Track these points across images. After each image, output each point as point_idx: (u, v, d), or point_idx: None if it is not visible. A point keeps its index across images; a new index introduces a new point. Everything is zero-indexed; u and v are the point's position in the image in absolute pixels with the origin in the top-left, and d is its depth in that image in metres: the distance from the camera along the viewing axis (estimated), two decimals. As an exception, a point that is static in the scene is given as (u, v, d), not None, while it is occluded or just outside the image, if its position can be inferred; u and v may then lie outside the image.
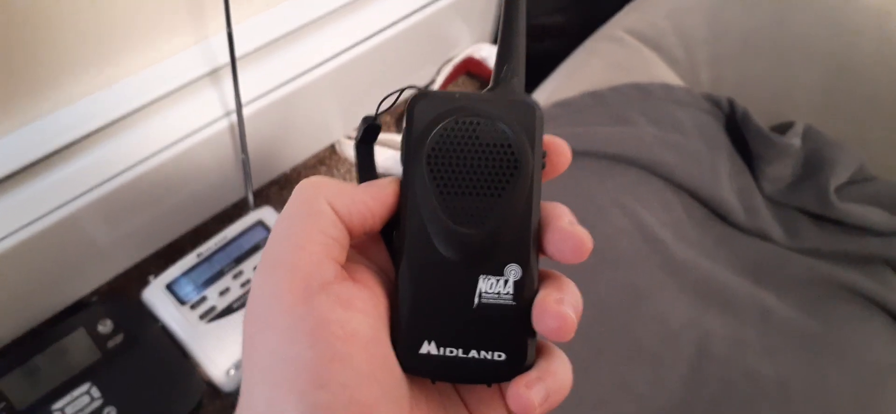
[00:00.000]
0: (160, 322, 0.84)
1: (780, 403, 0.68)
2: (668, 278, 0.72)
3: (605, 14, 0.94)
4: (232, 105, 0.85)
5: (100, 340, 0.80)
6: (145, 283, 0.87)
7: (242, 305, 0.85)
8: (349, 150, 1.09)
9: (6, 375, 0.76)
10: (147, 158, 0.82)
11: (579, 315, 0.31)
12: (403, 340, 0.32)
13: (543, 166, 0.32)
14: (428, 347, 0.32)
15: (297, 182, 1.00)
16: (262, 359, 0.29)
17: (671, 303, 0.71)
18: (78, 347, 0.80)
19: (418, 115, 0.32)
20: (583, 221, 0.32)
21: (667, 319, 0.70)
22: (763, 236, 0.78)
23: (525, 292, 0.31)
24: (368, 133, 0.35)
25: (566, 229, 0.31)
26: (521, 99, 0.32)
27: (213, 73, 0.84)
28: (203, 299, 0.85)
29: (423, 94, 0.33)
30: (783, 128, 0.85)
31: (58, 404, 0.76)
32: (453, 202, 0.31)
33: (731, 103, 0.84)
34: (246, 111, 0.86)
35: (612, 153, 0.77)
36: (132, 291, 0.87)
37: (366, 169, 0.36)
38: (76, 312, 0.83)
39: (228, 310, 0.85)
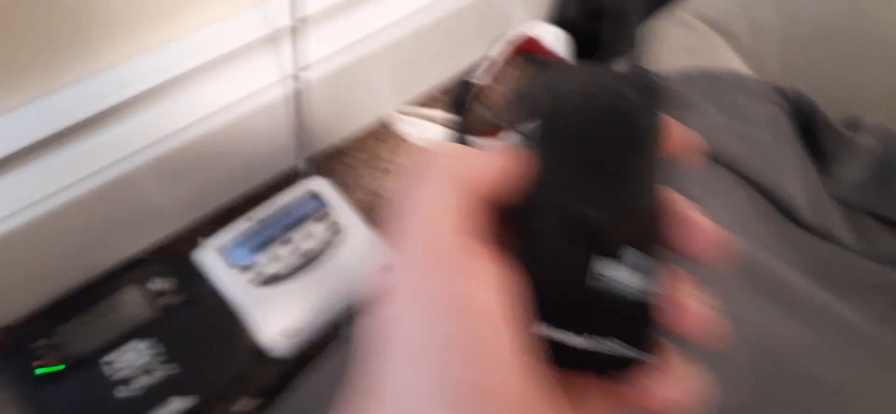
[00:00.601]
0: (211, 283, 0.84)
1: (838, 410, 0.66)
2: (731, 274, 0.70)
3: (673, -1, 0.92)
4: (289, 70, 0.84)
5: (153, 297, 0.81)
6: (194, 245, 0.87)
7: (292, 272, 0.85)
8: (401, 125, 1.08)
9: (61, 325, 0.77)
10: (202, 120, 0.82)
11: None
12: (529, 323, 0.30)
13: (665, 148, 0.30)
14: (553, 332, 0.30)
15: (347, 154, 1.00)
16: (399, 331, 0.28)
17: (735, 300, 0.69)
18: (132, 302, 0.80)
19: (540, 85, 0.31)
20: None
21: (731, 317, 0.68)
22: (829, 238, 0.75)
23: (654, 284, 0.29)
24: (463, 93, 0.33)
25: (697, 220, 0.30)
26: (641, 72, 0.31)
27: (273, 36, 0.83)
28: (253, 264, 0.85)
29: (543, 63, 0.31)
30: (853, 125, 0.82)
31: (108, 358, 0.76)
32: (574, 179, 0.30)
33: (801, 96, 0.81)
34: (304, 76, 0.85)
35: (678, 140, 0.75)
36: (185, 251, 0.87)
37: (463, 132, 0.34)
38: (132, 269, 0.84)
39: (276, 277, 0.85)
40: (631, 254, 0.29)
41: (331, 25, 0.88)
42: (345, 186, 1.00)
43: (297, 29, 0.79)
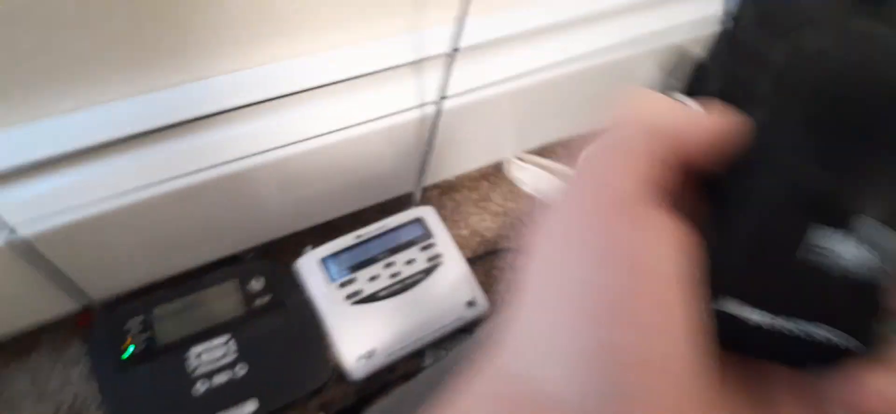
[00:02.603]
0: (306, 294, 0.82)
1: None
2: None
3: None
4: (426, 97, 0.84)
5: (248, 296, 0.80)
6: (299, 253, 0.86)
7: (389, 295, 0.83)
8: (515, 170, 1.05)
9: (155, 308, 0.77)
10: (330, 133, 0.81)
11: None
12: (720, 301, 0.24)
13: None
14: (749, 312, 0.24)
15: (459, 190, 0.97)
16: (548, 276, 0.24)
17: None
18: (227, 297, 0.80)
19: (783, 16, 0.25)
20: None
21: None
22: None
23: (885, 262, 0.23)
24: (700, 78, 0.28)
25: None
26: None
27: (419, 62, 0.82)
28: (352, 281, 0.83)
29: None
30: None
31: (196, 348, 0.76)
32: (808, 138, 0.24)
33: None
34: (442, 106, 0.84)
35: None
36: (285, 258, 0.86)
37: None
38: (232, 265, 0.83)
39: (374, 297, 0.83)
40: (866, 225, 0.23)
41: (470, 62, 0.86)
42: (451, 221, 0.98)
43: (450, 57, 0.78)
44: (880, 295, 0.23)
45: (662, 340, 0.23)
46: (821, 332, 0.23)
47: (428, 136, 0.85)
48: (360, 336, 0.80)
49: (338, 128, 0.81)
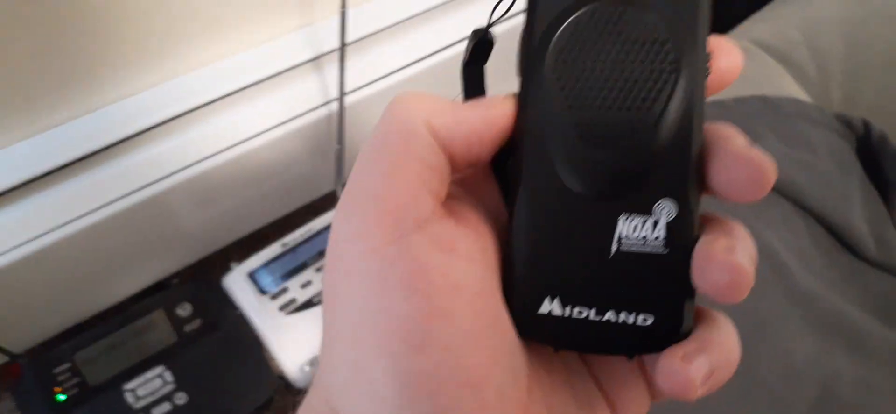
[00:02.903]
0: (239, 310, 0.80)
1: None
2: (792, 309, 0.65)
3: (731, 22, 0.86)
4: (331, 94, 0.82)
5: (177, 322, 0.78)
6: (227, 269, 0.84)
7: (321, 301, 0.80)
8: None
9: (83, 350, 0.74)
10: (240, 143, 0.79)
11: (755, 267, 0.23)
12: (519, 297, 0.25)
13: (707, 73, 0.24)
14: (550, 306, 0.24)
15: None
16: (345, 312, 0.24)
17: (795, 337, 0.63)
18: (155, 328, 0.77)
19: (543, 4, 0.25)
20: None
21: (790, 354, 0.62)
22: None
23: (681, 238, 0.24)
24: (479, 49, 0.28)
25: (741, 152, 0.23)
26: None
27: (317, 59, 0.80)
28: (284, 291, 0.82)
29: None
30: (923, 157, 0.76)
31: (130, 384, 0.74)
32: (587, 117, 0.24)
33: (867, 125, 0.75)
34: (345, 101, 0.82)
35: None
36: (214, 276, 0.85)
37: (477, 91, 0.28)
38: (159, 293, 0.81)
39: (309, 303, 0.81)
40: (666, 207, 0.24)
41: (372, 49, 0.85)
42: (381, 215, 0.96)
43: (342, 52, 0.77)
44: (682, 273, 0.24)
45: (472, 357, 0.22)
46: (639, 320, 0.24)
47: (337, 132, 0.83)
48: (300, 344, 0.78)
49: (246, 137, 0.78)
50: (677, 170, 0.24)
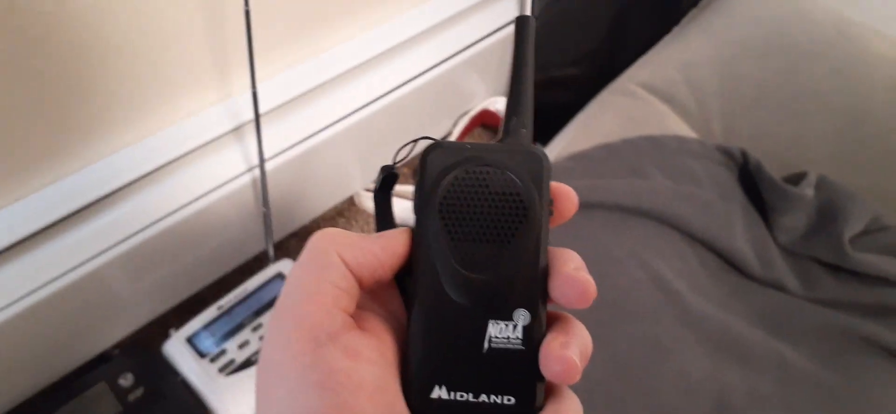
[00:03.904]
0: (180, 375, 0.82)
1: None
2: (685, 331, 0.70)
3: (618, 67, 0.93)
4: (254, 160, 0.86)
5: (120, 393, 0.79)
6: (167, 335, 0.86)
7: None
8: (367, 201, 1.09)
9: None
10: (171, 214, 0.82)
11: (586, 358, 0.31)
12: (415, 385, 0.31)
13: (551, 214, 0.32)
14: (439, 392, 0.31)
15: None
16: (273, 407, 0.29)
17: (689, 356, 0.69)
18: (99, 400, 0.79)
19: (430, 164, 0.32)
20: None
21: (686, 373, 0.68)
22: (778, 287, 0.76)
23: (534, 336, 0.31)
24: (386, 182, 0.35)
25: (571, 275, 0.31)
26: (528, 149, 0.32)
27: (237, 129, 0.85)
28: (223, 352, 0.84)
29: (435, 145, 0.33)
30: (796, 178, 0.83)
31: (78, 459, 0.74)
32: (464, 248, 0.31)
33: (744, 154, 0.83)
34: (268, 166, 0.86)
35: (626, 205, 0.76)
36: (154, 343, 0.86)
37: (384, 217, 0.36)
38: (98, 366, 0.82)
39: (247, 363, 0.84)
40: (522, 315, 0.31)
41: (291, 115, 0.89)
42: (313, 268, 0.99)
43: (258, 122, 0.81)
44: (534, 364, 0.31)
45: None
46: (505, 400, 0.31)
47: (262, 196, 0.87)
48: (241, 404, 0.81)
49: (176, 208, 0.81)
50: (528, 288, 0.31)
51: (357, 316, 0.31)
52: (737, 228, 0.78)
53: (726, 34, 0.89)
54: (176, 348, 0.84)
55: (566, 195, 0.33)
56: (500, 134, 0.34)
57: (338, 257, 0.31)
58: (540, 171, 0.32)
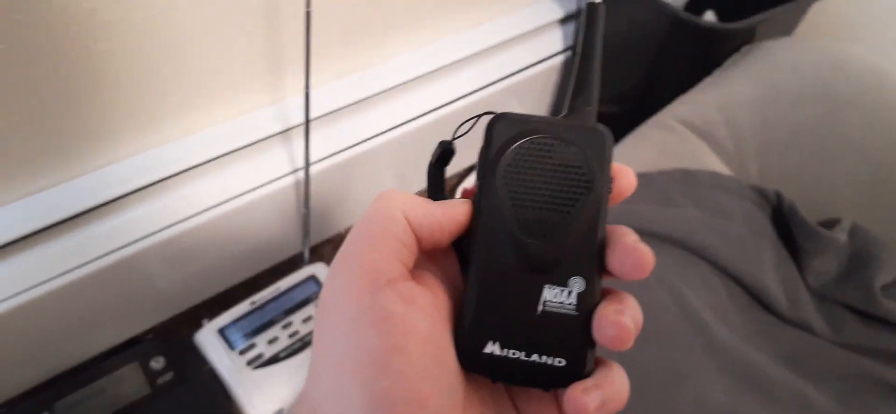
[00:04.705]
0: (209, 365, 0.83)
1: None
2: (708, 359, 0.70)
3: (655, 107, 0.93)
4: (299, 163, 0.87)
5: (151, 375, 0.80)
6: (199, 326, 0.87)
7: (289, 355, 0.84)
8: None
9: (61, 399, 0.77)
10: (213, 207, 0.83)
11: (639, 327, 0.31)
12: (469, 338, 0.32)
13: (610, 190, 0.33)
14: (492, 347, 0.32)
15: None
16: (330, 344, 0.31)
17: (710, 385, 0.68)
18: (130, 380, 0.80)
19: (498, 133, 0.33)
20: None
21: (705, 401, 0.67)
22: (806, 328, 0.76)
23: (587, 304, 0.32)
24: (443, 156, 0.37)
25: (630, 245, 0.32)
26: (592, 126, 0.33)
27: (286, 131, 0.86)
28: (252, 346, 0.84)
29: (502, 115, 0.34)
30: (830, 224, 0.83)
31: (105, 434, 0.75)
32: (525, 215, 0.32)
33: (779, 195, 0.82)
34: (311, 170, 0.87)
35: (657, 232, 0.76)
36: (186, 333, 0.87)
37: (437, 190, 0.37)
38: (132, 347, 0.83)
39: (275, 358, 0.84)
40: (578, 282, 0.32)
41: (338, 123, 0.91)
42: (345, 275, 1.00)
43: (307, 126, 0.82)
44: (589, 330, 0.32)
45: (421, 382, 0.29)
46: (555, 362, 0.32)
47: (304, 199, 0.88)
48: (266, 398, 0.81)
49: (218, 202, 0.83)
50: (585, 257, 0.32)
51: (414, 274, 0.32)
52: (767, 266, 0.78)
53: (766, 78, 0.89)
54: (207, 338, 0.85)
55: (625, 174, 0.34)
56: (566, 111, 0.35)
57: (401, 214, 0.32)
58: (603, 147, 0.33)
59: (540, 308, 0.32)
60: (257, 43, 0.79)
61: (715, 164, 0.86)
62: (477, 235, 0.33)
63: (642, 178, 0.80)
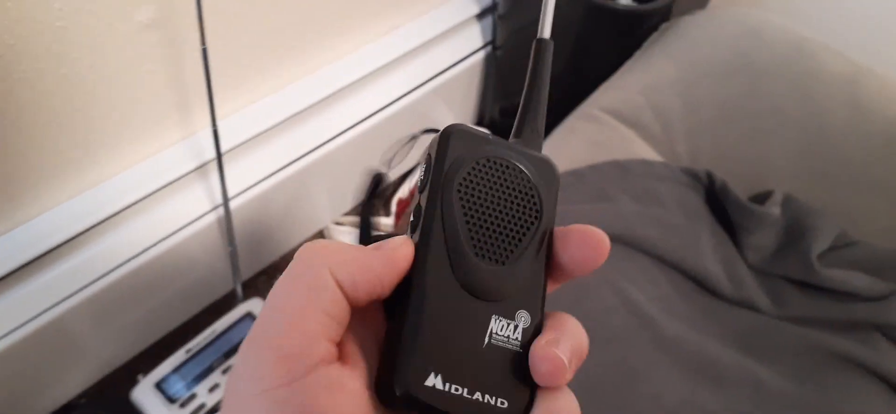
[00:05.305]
0: (149, 422, 0.79)
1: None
2: (659, 355, 0.68)
3: (582, 93, 0.91)
4: (218, 198, 0.83)
5: (89, 443, 0.75)
6: (134, 382, 0.82)
7: (232, 400, 0.80)
8: (338, 234, 1.06)
9: None
10: (135, 256, 0.79)
11: (580, 357, 0.29)
12: (409, 368, 0.28)
13: (552, 229, 0.31)
14: (434, 381, 0.28)
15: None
16: None
17: (664, 380, 0.67)
18: (66, 451, 0.75)
19: (453, 145, 0.30)
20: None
21: (660, 398, 0.66)
22: (750, 307, 0.75)
23: (530, 341, 0.29)
24: (376, 185, 0.33)
25: (582, 229, 0.30)
26: (543, 157, 0.32)
27: (200, 168, 0.81)
28: (193, 397, 0.80)
29: (458, 126, 0.31)
30: (762, 197, 0.82)
31: None
32: (479, 236, 0.30)
33: (710, 175, 0.81)
34: (233, 204, 0.83)
35: (595, 231, 0.74)
36: (122, 390, 0.82)
37: (369, 226, 0.33)
38: (65, 414, 0.79)
39: (218, 407, 0.80)
40: (523, 316, 0.30)
41: (255, 151, 0.87)
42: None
43: (221, 159, 0.78)
44: (528, 364, 0.29)
45: None
46: (498, 402, 0.29)
47: (228, 235, 0.84)
48: (213, 447, 0.78)
49: (140, 250, 0.78)
50: (532, 290, 0.30)
51: (331, 349, 0.27)
52: (705, 250, 0.77)
53: (687, 56, 0.88)
54: (145, 395, 0.81)
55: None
56: (514, 132, 0.33)
57: (331, 278, 0.27)
58: (553, 180, 0.31)
59: (486, 341, 0.29)
60: (158, 81, 0.75)
61: (644, 150, 0.85)
62: (424, 252, 0.29)
63: (574, 175, 0.78)
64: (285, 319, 0.26)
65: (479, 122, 1.19)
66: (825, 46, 0.85)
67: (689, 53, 0.88)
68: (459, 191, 0.30)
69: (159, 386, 0.81)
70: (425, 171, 0.31)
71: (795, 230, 0.77)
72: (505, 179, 0.30)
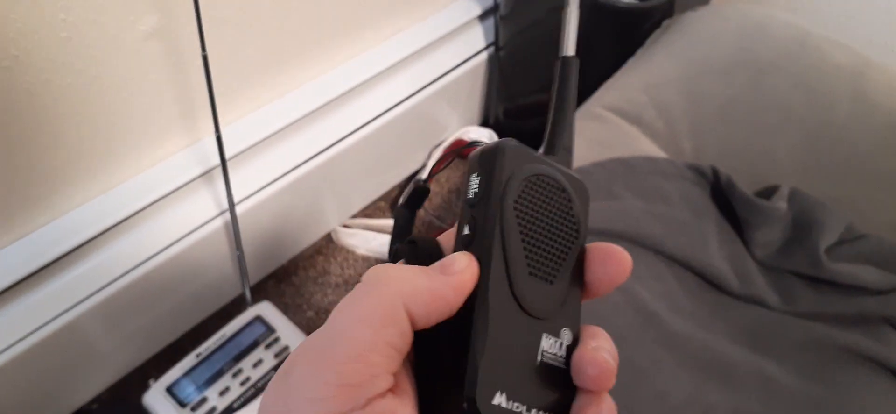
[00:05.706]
0: (161, 427, 0.79)
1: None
2: (665, 353, 0.67)
3: (585, 92, 0.91)
4: (225, 204, 0.82)
5: (101, 449, 0.76)
6: (146, 386, 0.82)
7: (243, 405, 0.80)
8: (346, 238, 1.05)
9: None
10: (144, 261, 0.79)
11: (617, 360, 0.29)
12: (479, 388, 0.28)
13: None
14: (500, 398, 0.28)
15: (293, 274, 0.96)
16: None
17: (671, 379, 0.66)
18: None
19: (507, 160, 0.30)
20: None
21: (667, 396, 0.65)
22: (758, 302, 0.74)
23: (571, 354, 0.30)
24: (415, 197, 0.34)
25: (605, 247, 0.30)
26: (578, 178, 0.32)
27: (207, 173, 0.81)
28: (203, 401, 0.80)
29: (510, 142, 0.31)
30: (768, 192, 0.81)
31: None
32: (533, 255, 0.30)
33: (715, 171, 0.80)
34: (240, 208, 0.83)
35: (601, 228, 0.73)
36: (133, 395, 0.82)
37: (405, 233, 0.34)
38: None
39: (229, 410, 0.80)
40: (567, 334, 0.30)
41: (260, 156, 0.86)
42: (294, 307, 0.96)
43: (226, 164, 0.78)
44: (571, 378, 0.30)
45: None
46: None
47: (235, 239, 0.84)
48: (224, 452, 0.78)
49: (150, 255, 0.78)
50: (573, 308, 0.31)
51: (387, 381, 0.27)
52: (712, 246, 0.76)
53: (689, 53, 0.87)
54: (156, 399, 0.80)
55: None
56: (545, 148, 0.34)
57: (404, 312, 0.26)
58: (586, 199, 0.32)
59: (538, 358, 0.29)
60: (162, 89, 0.75)
61: (649, 148, 0.84)
62: (486, 270, 0.29)
63: (579, 173, 0.78)
64: (353, 348, 0.25)
65: (485, 123, 1.19)
66: (829, 40, 0.84)
67: (692, 50, 0.87)
68: (516, 209, 0.30)
69: (170, 390, 0.81)
70: (479, 186, 0.31)
71: (802, 225, 0.76)
72: (553, 198, 0.31)
